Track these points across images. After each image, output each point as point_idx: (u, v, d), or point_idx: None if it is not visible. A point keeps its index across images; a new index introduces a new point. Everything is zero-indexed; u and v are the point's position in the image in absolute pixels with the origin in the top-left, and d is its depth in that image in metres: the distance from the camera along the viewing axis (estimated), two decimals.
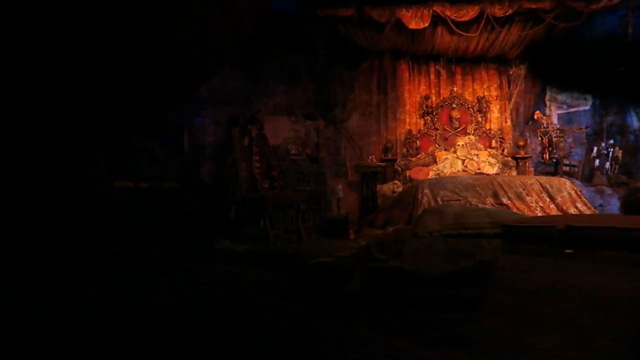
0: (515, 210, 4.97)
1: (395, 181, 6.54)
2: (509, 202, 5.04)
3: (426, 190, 5.13)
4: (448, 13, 6.42)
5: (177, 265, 4.29)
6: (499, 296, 2.37)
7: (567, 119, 8.25)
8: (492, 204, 5.02)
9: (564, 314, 1.98)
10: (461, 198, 5.05)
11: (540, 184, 5.19)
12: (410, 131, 7.39)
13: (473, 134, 7.17)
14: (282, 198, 5.21)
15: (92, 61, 3.02)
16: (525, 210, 5.00)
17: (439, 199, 5.06)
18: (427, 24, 6.46)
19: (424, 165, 6.98)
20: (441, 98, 7.46)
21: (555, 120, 8.02)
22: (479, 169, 6.44)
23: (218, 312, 2.93)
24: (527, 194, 5.12)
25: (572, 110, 8.27)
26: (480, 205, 4.98)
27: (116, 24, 3.01)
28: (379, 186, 6.79)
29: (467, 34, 6.65)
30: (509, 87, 7.57)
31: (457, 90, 7.41)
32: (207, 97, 7.18)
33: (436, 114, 7.36)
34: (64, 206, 3.14)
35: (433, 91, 7.56)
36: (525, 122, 7.71)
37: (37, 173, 2.98)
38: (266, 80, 7.25)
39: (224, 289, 3.55)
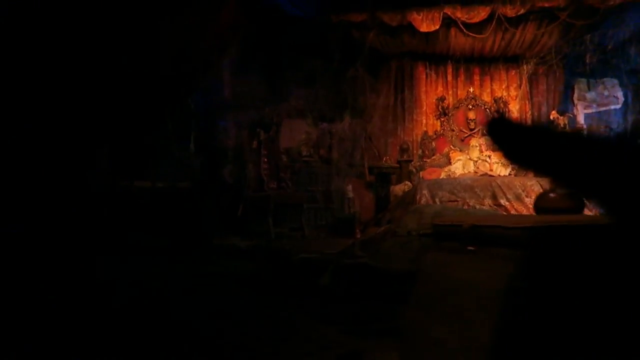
0: (513, 211, 4.98)
1: (407, 182, 6.65)
2: (507, 203, 5.04)
3: (424, 191, 5.23)
4: (459, 15, 6.45)
5: (180, 258, 4.69)
6: (421, 290, 2.55)
7: (597, 118, 7.97)
8: (490, 205, 5.05)
9: (457, 306, 2.15)
10: (459, 199, 5.12)
11: (541, 185, 5.13)
12: (425, 132, 7.46)
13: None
14: (286, 198, 5.49)
15: (93, 78, 3.45)
16: (524, 211, 4.98)
17: (437, 200, 5.16)
18: (437, 27, 6.52)
19: (438, 167, 7.03)
20: (458, 99, 7.47)
21: (582, 119, 7.78)
22: (490, 170, 6.42)
23: (194, 301, 3.27)
24: (526, 196, 5.09)
25: (602, 109, 7.98)
26: (477, 207, 5.03)
27: (117, 43, 3.44)
28: (392, 187, 6.92)
29: (478, 35, 6.64)
30: (530, 86, 7.44)
31: (473, 91, 7.39)
32: (230, 102, 7.62)
33: (452, 115, 7.38)
34: (69, 204, 3.59)
35: (450, 92, 7.58)
36: (549, 122, 7.54)
37: (47, 178, 3.45)
38: (285, 85, 7.58)
39: (209, 280, 3.90)
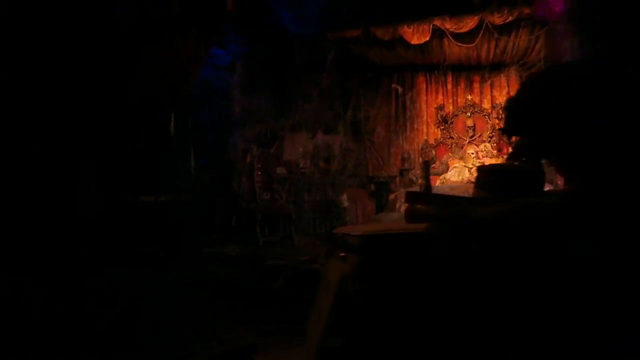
0: None
1: (401, 189, 6.82)
2: None
3: (403, 199, 5.41)
4: (448, 25, 6.58)
5: (172, 265, 5.16)
6: (317, 292, 2.84)
7: None
8: None
9: (322, 304, 2.45)
10: None
11: None
12: (426, 141, 7.59)
13: (489, 142, 7.16)
14: (274, 208, 5.86)
15: (85, 109, 4.00)
16: None
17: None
18: (427, 38, 6.68)
19: (437, 174, 7.14)
20: (457, 107, 7.56)
21: None
22: None
23: (158, 300, 3.69)
24: None
25: None
26: None
27: (106, 81, 3.98)
28: (391, 195, 7.11)
29: (470, 45, 6.73)
30: None
31: (472, 98, 7.45)
32: (239, 119, 8.14)
33: (451, 122, 7.47)
34: (59, 218, 4.14)
35: (450, 100, 7.68)
36: None
37: (37, 195, 4.00)
38: (290, 101, 7.99)
39: (182, 286, 4.32)
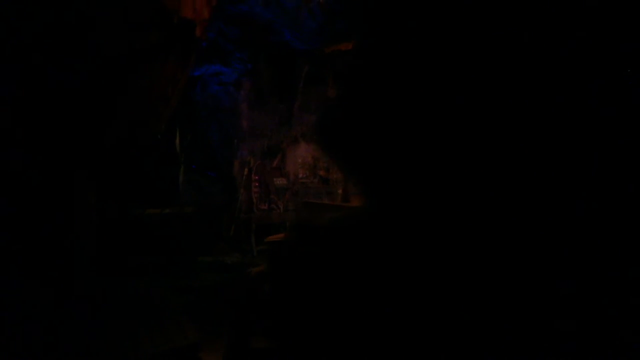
0: None
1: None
2: None
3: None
4: None
5: (168, 273, 5.53)
6: None
7: None
8: None
9: None
10: None
11: None
12: None
13: None
14: (267, 218, 6.15)
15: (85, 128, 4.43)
16: None
17: None
18: None
19: None
20: None
21: None
22: None
23: (135, 305, 4.04)
24: None
25: None
26: None
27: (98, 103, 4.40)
28: None
29: None
30: None
31: None
32: (246, 133, 8.52)
33: None
34: (58, 230, 4.56)
35: None
36: None
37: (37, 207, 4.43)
38: (294, 113, 8.32)
39: (167, 290, 4.66)
